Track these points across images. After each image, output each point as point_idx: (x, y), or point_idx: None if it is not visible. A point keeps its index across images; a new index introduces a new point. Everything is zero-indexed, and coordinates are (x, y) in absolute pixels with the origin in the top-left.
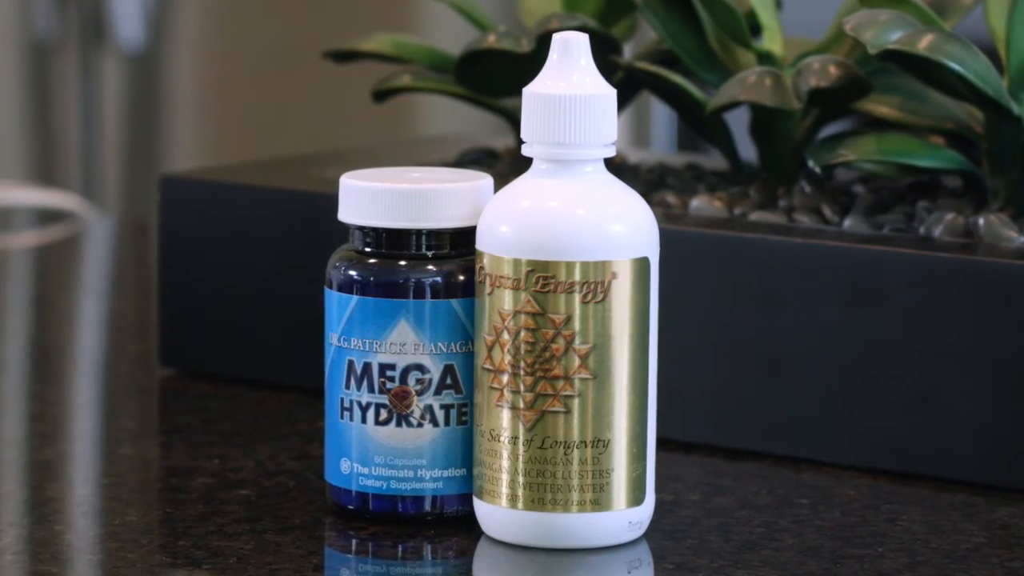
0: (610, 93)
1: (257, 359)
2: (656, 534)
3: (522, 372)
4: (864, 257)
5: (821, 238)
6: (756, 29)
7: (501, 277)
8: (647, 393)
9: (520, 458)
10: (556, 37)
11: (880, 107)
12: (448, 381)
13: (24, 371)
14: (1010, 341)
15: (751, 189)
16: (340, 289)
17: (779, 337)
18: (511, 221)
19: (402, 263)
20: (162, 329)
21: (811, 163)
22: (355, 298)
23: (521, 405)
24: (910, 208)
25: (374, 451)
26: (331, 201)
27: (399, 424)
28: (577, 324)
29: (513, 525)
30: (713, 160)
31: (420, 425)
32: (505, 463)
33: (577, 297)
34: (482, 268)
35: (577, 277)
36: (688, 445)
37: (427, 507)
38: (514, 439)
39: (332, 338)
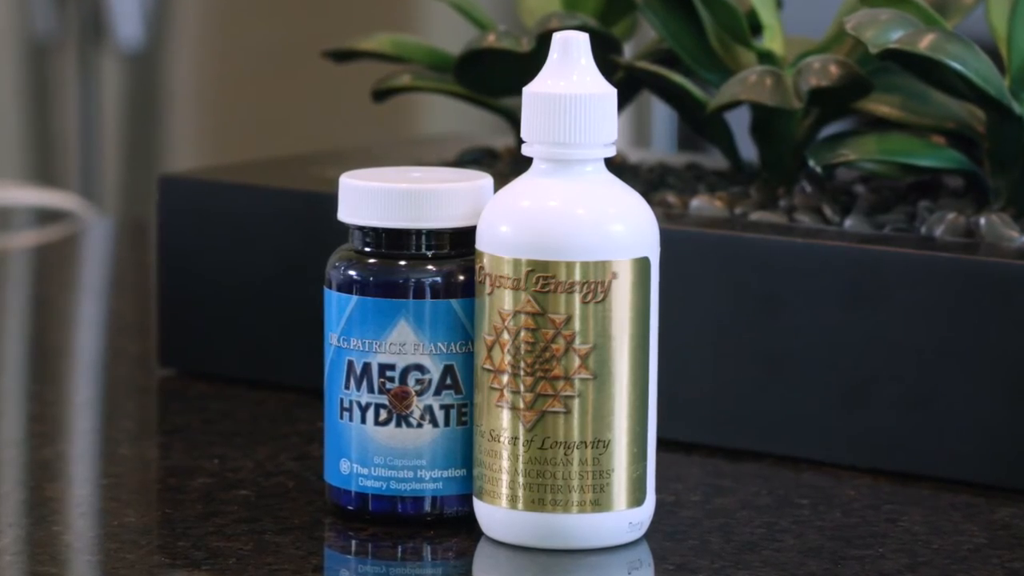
0: (610, 93)
1: (257, 359)
2: (657, 535)
3: (522, 372)
4: (865, 257)
5: (822, 238)
6: (757, 28)
7: (501, 277)
8: (647, 393)
9: (520, 458)
10: (556, 36)
11: (881, 107)
12: (448, 381)
13: (23, 371)
14: (1011, 341)
15: (752, 189)
16: (340, 289)
17: (779, 337)
18: (511, 221)
19: (402, 263)
20: (161, 329)
21: (812, 163)
22: (355, 298)
23: (521, 405)
24: (911, 208)
25: (374, 451)
26: (331, 201)
27: (399, 424)
28: (577, 324)
29: (513, 526)
30: (713, 160)
31: (420, 425)
32: (505, 463)
33: (577, 297)
34: (482, 268)
35: (577, 277)
36: (688, 445)
37: (427, 508)
38: (514, 439)
39: (332, 338)
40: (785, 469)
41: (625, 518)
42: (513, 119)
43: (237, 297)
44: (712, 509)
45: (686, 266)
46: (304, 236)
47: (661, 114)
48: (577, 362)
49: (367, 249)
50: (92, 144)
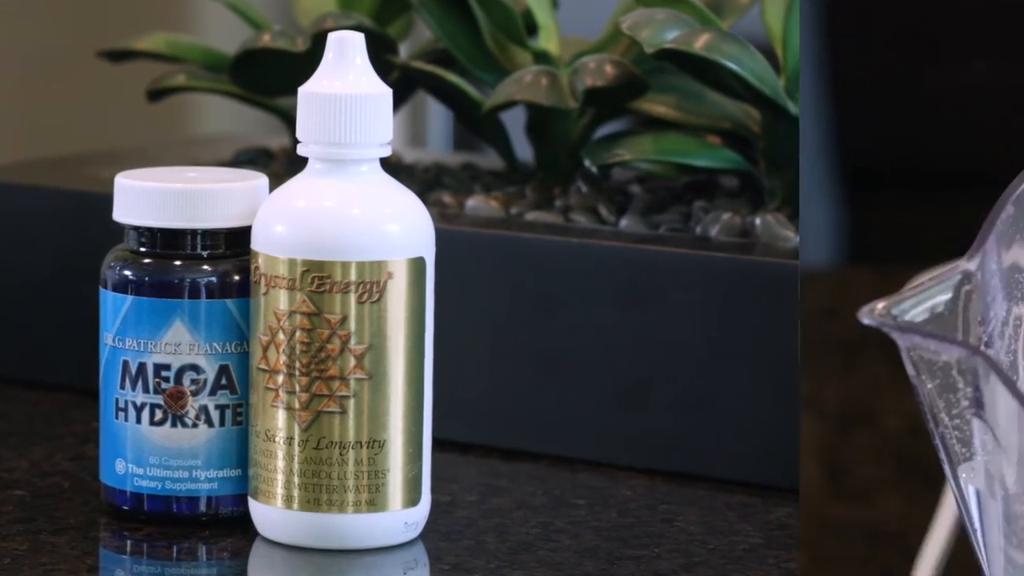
0: (386, 92)
1: (35, 359)
2: (432, 535)
3: (297, 372)
4: (640, 257)
5: (597, 238)
6: (532, 28)
7: (276, 277)
8: (423, 393)
9: (295, 459)
10: (331, 36)
11: (657, 107)
12: (223, 381)
13: None
14: (787, 341)
15: (527, 189)
16: (115, 289)
17: (555, 337)
18: (286, 221)
19: (177, 263)
20: None
21: (587, 163)
22: (130, 298)
23: (296, 405)
24: (687, 208)
25: (149, 451)
26: (106, 201)
27: (174, 424)
28: (353, 324)
29: (288, 526)
30: (489, 160)
31: (195, 425)
32: (280, 463)
33: (353, 297)
34: (257, 268)
35: (353, 277)
36: (464, 446)
37: (202, 508)
38: (289, 439)
39: (107, 338)
40: (561, 469)
41: (401, 518)
42: (288, 119)
43: (14, 297)
44: (488, 509)
45: (462, 266)
46: (80, 236)
47: (437, 114)
48: (352, 362)
49: (142, 249)
50: None
